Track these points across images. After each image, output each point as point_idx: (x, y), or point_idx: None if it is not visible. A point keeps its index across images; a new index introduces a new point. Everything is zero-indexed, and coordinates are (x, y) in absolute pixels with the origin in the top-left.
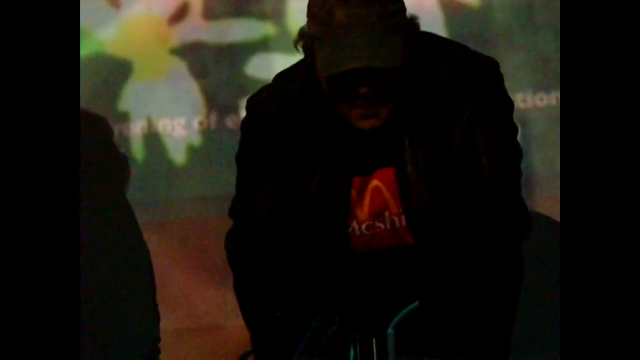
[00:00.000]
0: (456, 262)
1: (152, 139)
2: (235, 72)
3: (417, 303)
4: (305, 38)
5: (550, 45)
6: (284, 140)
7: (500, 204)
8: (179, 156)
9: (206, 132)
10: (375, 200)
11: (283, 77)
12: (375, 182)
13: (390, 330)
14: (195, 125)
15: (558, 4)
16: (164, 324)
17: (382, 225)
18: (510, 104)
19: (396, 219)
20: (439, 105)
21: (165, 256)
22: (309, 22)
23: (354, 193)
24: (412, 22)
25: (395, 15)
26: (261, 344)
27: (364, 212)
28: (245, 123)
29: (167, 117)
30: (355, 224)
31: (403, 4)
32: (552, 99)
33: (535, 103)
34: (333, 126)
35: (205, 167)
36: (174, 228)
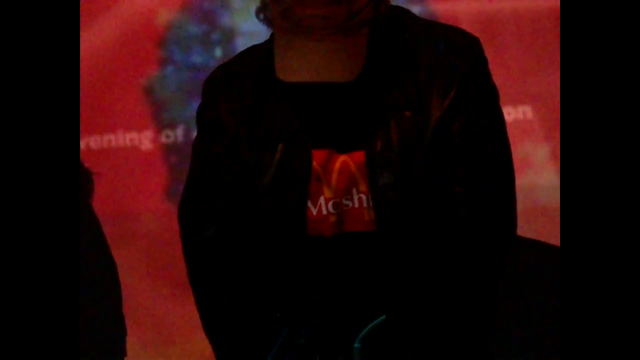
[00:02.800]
0: (427, 269)
1: (120, 151)
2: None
3: (384, 316)
4: (266, 10)
5: (516, 58)
6: (240, 122)
7: (488, 204)
8: (145, 169)
9: (173, 145)
10: (343, 175)
11: (240, 53)
12: (343, 157)
13: (356, 344)
14: (162, 138)
15: (525, 17)
16: (130, 338)
17: (350, 204)
18: (496, 89)
19: (364, 197)
20: (418, 80)
21: (131, 269)
22: None
23: (319, 168)
24: (383, 2)
25: (363, 10)
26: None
27: (331, 188)
28: (198, 111)
29: (134, 130)
30: (322, 201)
31: None
32: (519, 112)
33: None
34: (293, 98)
35: (170, 179)
36: (140, 241)
